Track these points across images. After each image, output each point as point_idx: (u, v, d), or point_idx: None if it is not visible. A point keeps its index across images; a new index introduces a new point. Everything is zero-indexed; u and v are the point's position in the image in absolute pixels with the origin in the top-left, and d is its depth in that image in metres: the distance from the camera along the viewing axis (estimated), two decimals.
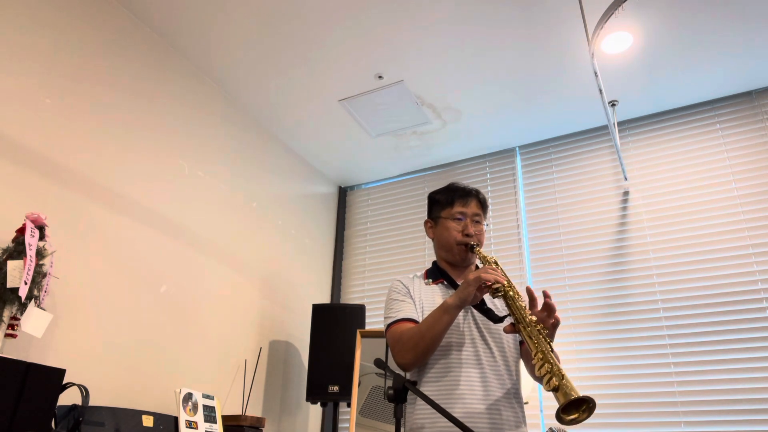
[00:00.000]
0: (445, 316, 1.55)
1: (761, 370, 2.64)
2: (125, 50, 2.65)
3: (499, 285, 1.53)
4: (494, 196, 3.66)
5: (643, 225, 3.15)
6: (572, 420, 1.31)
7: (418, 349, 1.57)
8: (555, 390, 1.32)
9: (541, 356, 1.39)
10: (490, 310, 1.66)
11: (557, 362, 1.38)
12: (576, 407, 1.31)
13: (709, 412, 2.67)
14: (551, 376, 1.34)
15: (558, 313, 1.51)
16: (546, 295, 1.51)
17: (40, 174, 2.16)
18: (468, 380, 1.57)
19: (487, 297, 1.73)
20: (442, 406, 1.52)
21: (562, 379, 1.32)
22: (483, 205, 1.83)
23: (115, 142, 2.51)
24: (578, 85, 3.14)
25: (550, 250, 3.34)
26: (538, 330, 1.45)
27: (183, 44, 2.90)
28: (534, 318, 1.48)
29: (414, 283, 1.78)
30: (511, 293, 1.54)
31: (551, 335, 1.50)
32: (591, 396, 1.30)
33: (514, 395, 1.62)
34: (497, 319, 1.64)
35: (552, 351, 1.42)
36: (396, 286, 1.77)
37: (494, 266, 1.62)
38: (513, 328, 1.52)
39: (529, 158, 3.67)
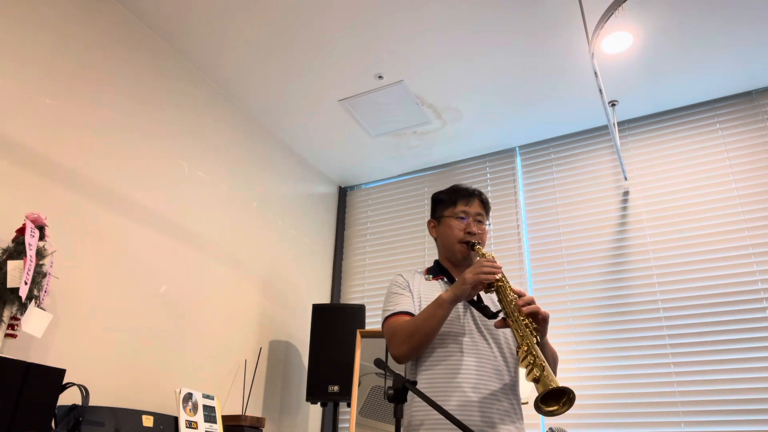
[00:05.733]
0: (439, 310, 1.58)
1: (761, 370, 2.64)
2: (125, 50, 2.65)
3: (494, 280, 1.57)
4: (494, 196, 3.65)
5: (643, 225, 3.15)
6: (551, 412, 1.35)
7: (412, 341, 1.60)
8: (536, 381, 1.37)
9: (525, 348, 1.43)
10: (486, 307, 1.69)
11: (540, 355, 1.41)
12: (556, 399, 1.35)
13: (709, 412, 2.67)
14: (533, 367, 1.39)
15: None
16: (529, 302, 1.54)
17: (40, 174, 2.16)
18: (466, 368, 1.60)
19: (483, 293, 1.75)
20: (440, 393, 1.57)
21: (543, 370, 1.37)
22: (485, 205, 1.87)
23: (115, 142, 2.51)
24: (578, 85, 3.14)
25: (550, 250, 3.34)
26: (526, 324, 1.49)
27: (183, 44, 2.90)
28: (523, 312, 1.51)
29: (414, 277, 1.82)
30: (502, 287, 1.58)
31: (543, 330, 1.54)
32: (571, 388, 1.34)
33: (511, 389, 1.65)
34: (491, 315, 1.67)
35: (537, 344, 1.45)
36: (397, 279, 1.81)
37: (490, 259, 1.63)
38: (503, 323, 1.56)
39: (529, 158, 3.67)
